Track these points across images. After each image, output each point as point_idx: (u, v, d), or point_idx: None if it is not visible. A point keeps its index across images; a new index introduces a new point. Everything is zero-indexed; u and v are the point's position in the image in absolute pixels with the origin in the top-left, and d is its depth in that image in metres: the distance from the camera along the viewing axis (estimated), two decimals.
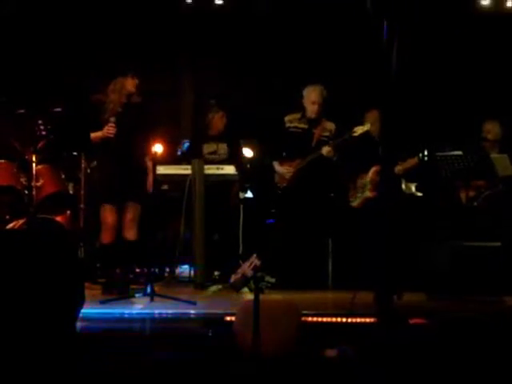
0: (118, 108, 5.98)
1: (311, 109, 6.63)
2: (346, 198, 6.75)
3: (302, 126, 6.71)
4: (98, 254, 6.55)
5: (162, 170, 6.43)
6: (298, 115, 6.73)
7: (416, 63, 7.02)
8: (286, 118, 6.75)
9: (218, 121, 7.14)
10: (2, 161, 6.37)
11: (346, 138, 6.49)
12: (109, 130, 5.87)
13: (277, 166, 6.72)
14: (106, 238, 5.99)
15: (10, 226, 5.80)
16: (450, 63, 7.81)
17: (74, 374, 3.52)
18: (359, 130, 6.47)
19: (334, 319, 4.56)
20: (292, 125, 6.72)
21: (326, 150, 6.49)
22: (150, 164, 6.07)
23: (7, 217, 6.23)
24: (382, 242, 4.74)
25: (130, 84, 5.99)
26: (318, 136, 6.66)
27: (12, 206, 6.33)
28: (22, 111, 6.20)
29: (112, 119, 5.88)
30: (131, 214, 5.94)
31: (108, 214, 5.94)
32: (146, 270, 6.60)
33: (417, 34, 6.70)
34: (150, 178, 6.08)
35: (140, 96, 6.05)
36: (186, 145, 7.52)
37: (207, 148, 7.09)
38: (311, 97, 6.62)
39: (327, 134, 6.66)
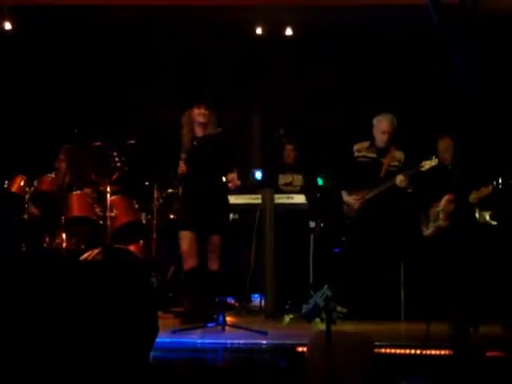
0: (193, 141, 5.95)
1: (381, 138, 6.57)
2: (418, 227, 6.65)
3: (370, 155, 6.65)
4: (172, 283, 6.59)
5: (232, 199, 6.48)
6: (366, 144, 6.67)
7: (489, 89, 6.91)
8: (355, 147, 6.70)
9: (289, 153, 7.26)
10: (78, 192, 6.56)
11: (416, 171, 6.41)
12: (180, 167, 5.86)
13: (345, 196, 6.65)
14: (189, 264, 5.94)
15: (86, 255, 5.93)
16: None
17: None
18: (427, 165, 6.36)
19: (407, 351, 4.47)
20: (360, 154, 6.67)
21: (399, 179, 6.40)
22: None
23: (82, 246, 6.40)
24: (456, 272, 4.65)
25: (196, 114, 5.95)
26: (386, 165, 6.58)
27: (87, 236, 6.50)
28: (98, 144, 6.38)
29: (183, 156, 5.86)
30: (214, 245, 5.96)
31: (187, 242, 5.92)
32: (217, 299, 6.62)
33: (491, 59, 6.59)
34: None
35: (217, 127, 6.00)
36: (256, 174, 7.59)
37: (283, 179, 7.15)
38: (381, 126, 6.57)
39: (396, 163, 6.59)
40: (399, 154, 6.62)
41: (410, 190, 6.45)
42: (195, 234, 5.94)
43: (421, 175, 6.44)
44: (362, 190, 6.56)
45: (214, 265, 5.99)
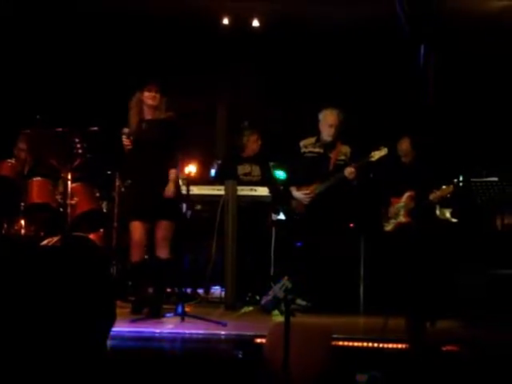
0: (142, 124, 5.81)
1: (328, 132, 6.59)
2: (379, 222, 6.70)
3: (317, 150, 6.66)
4: (130, 273, 6.54)
5: (195, 190, 6.47)
6: (312, 139, 6.69)
7: (451, 88, 6.98)
8: (301, 143, 6.71)
9: (252, 143, 7.21)
10: (39, 178, 6.47)
11: (366, 161, 6.44)
12: (124, 141, 5.75)
13: (294, 192, 6.65)
14: (135, 256, 5.87)
15: (45, 242, 5.85)
16: (485, 87, 7.76)
17: None
18: (376, 155, 6.41)
19: (365, 344, 4.51)
20: (307, 150, 6.68)
21: (348, 171, 6.42)
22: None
23: (42, 234, 6.32)
24: (414, 268, 4.70)
25: (147, 97, 5.81)
26: (334, 160, 6.60)
27: (47, 223, 6.41)
28: (60, 130, 6.28)
29: (125, 130, 5.74)
30: (162, 232, 5.80)
31: (136, 232, 5.83)
32: (177, 290, 6.60)
33: (453, 59, 6.67)
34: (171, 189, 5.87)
35: (170, 113, 5.85)
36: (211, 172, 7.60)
37: (242, 169, 7.13)
38: (328, 120, 6.59)
39: (343, 157, 6.62)
40: (345, 148, 6.65)
41: (355, 183, 6.48)
42: (145, 224, 5.81)
43: (372, 167, 6.48)
44: (311, 184, 6.58)
45: (163, 253, 5.82)
